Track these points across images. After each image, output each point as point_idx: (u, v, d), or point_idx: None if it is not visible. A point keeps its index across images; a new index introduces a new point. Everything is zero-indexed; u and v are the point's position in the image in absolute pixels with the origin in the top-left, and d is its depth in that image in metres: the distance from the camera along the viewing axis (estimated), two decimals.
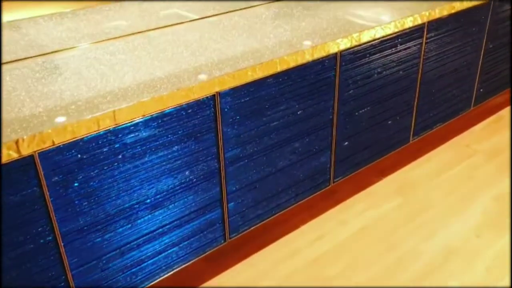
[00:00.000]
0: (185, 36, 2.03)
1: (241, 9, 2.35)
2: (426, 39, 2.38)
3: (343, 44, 2.00)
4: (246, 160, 1.90)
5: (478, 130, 3.16)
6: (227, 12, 2.31)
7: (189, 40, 1.99)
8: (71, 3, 2.04)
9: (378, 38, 2.14)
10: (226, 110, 1.75)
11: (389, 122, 2.42)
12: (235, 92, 1.75)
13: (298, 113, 2.00)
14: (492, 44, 2.84)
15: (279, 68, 1.83)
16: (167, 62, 1.78)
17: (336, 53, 2.01)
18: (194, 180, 1.77)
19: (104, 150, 1.51)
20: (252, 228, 2.05)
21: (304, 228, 2.37)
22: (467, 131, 3.15)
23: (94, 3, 2.11)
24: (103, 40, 1.99)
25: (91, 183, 1.52)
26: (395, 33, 2.20)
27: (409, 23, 2.22)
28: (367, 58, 2.15)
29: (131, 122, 1.53)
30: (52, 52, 1.88)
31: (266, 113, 1.89)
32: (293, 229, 2.33)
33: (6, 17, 1.97)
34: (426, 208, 2.50)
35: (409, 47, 2.32)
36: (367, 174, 2.58)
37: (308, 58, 1.90)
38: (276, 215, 2.13)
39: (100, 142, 1.49)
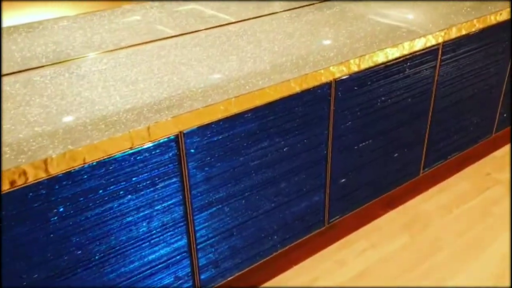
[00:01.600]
0: (161, 57, 1.77)
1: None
2: (441, 61, 2.08)
3: (339, 71, 1.72)
4: (219, 205, 1.64)
5: (500, 156, 2.84)
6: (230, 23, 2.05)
7: (163, 63, 1.73)
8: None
9: (382, 63, 1.85)
10: (192, 151, 1.49)
11: (395, 155, 2.13)
12: (204, 130, 1.49)
13: (284, 149, 1.73)
14: None
15: (258, 102, 1.56)
16: (130, 92, 1.53)
17: (330, 82, 1.72)
18: (154, 232, 1.52)
19: (35, 205, 1.26)
20: (229, 278, 1.80)
21: (295, 269, 2.10)
22: (487, 158, 2.84)
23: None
24: (65, 61, 1.75)
25: (19, 242, 1.27)
26: (403, 56, 1.90)
27: (419, 45, 1.92)
28: (368, 86, 1.86)
29: (69, 171, 1.28)
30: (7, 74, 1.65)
31: (244, 152, 1.62)
32: (282, 271, 2.07)
33: None
34: (436, 250, 2.21)
35: (420, 72, 2.02)
36: (370, 206, 2.28)
37: (296, 89, 1.63)
38: (259, 262, 1.87)
39: (29, 197, 1.24)
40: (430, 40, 1.95)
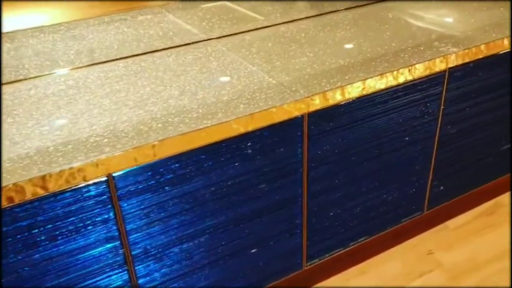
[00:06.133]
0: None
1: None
2: (308, 136, 1.57)
3: (119, 165, 1.27)
4: None
5: (454, 228, 2.27)
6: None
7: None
8: None
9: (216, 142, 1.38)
10: None
11: (253, 250, 1.65)
12: None
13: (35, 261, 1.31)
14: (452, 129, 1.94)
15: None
16: None
17: (107, 178, 1.28)
18: None
19: None
20: None
21: None
22: (436, 229, 2.27)
23: None
24: None
25: None
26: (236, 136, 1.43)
27: (254, 123, 1.42)
28: (185, 175, 1.40)
29: None
30: None
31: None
32: None
33: None
34: None
35: (272, 150, 1.53)
36: None
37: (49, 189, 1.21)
38: None
39: None
40: (282, 114, 1.45)
